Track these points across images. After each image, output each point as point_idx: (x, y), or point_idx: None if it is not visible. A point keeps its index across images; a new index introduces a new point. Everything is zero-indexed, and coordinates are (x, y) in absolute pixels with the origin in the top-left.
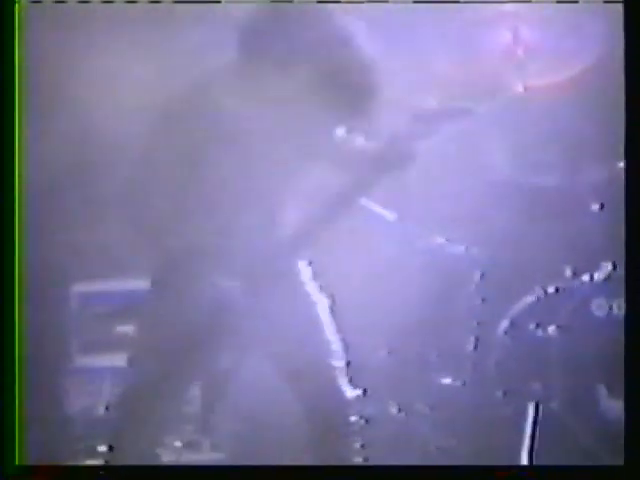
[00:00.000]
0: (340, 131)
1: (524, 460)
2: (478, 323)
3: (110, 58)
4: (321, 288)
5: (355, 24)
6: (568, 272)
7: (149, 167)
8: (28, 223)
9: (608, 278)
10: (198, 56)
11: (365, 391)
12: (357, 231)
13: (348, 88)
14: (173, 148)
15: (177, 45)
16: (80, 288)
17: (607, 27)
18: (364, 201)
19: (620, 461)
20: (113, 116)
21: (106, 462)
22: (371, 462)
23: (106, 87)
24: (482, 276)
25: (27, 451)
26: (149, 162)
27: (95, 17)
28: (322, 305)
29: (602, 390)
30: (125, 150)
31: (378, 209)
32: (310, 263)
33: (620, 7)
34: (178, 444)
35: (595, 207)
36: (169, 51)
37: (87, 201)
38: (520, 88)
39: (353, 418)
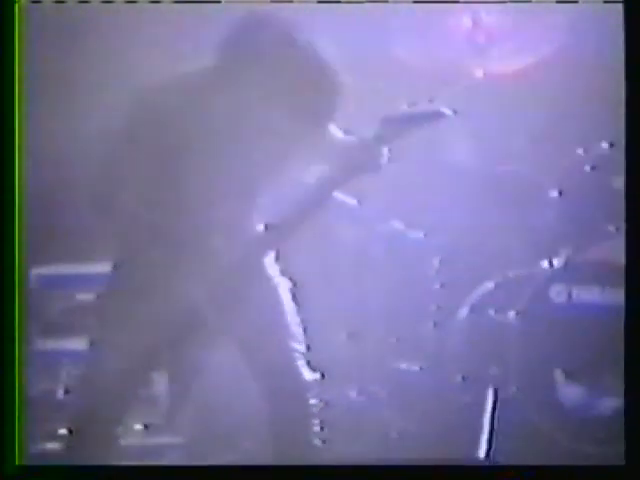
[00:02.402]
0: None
1: (483, 444)
2: (437, 308)
3: (110, 58)
4: (282, 272)
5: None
6: (527, 258)
7: (123, 161)
8: None
9: (566, 264)
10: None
11: (323, 375)
12: (318, 216)
13: (315, 83)
14: (149, 143)
15: (177, 45)
16: (40, 271)
17: (607, 27)
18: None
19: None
20: (107, 114)
21: (66, 446)
22: (329, 444)
23: (106, 87)
24: (441, 262)
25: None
26: (124, 157)
27: (95, 17)
28: (283, 288)
29: (560, 375)
30: (106, 142)
31: (339, 195)
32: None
33: (620, 7)
34: (138, 427)
35: (554, 194)
36: (169, 51)
37: (54, 185)
38: (480, 73)
39: (312, 401)
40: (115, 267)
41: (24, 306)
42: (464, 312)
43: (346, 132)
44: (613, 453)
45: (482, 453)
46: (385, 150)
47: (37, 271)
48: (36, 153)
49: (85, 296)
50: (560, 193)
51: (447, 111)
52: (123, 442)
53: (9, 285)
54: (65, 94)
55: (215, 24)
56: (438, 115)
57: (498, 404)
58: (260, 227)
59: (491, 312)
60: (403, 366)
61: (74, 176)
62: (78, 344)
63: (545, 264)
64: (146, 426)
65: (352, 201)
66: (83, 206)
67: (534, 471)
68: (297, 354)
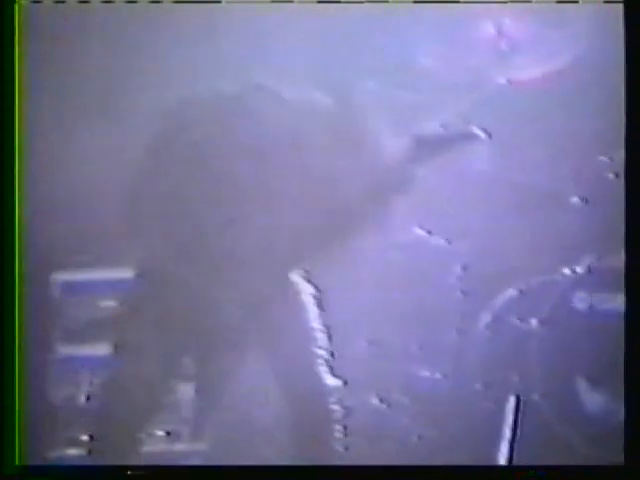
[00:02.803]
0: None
1: (504, 451)
2: (460, 315)
3: (110, 58)
4: (306, 278)
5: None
6: (550, 265)
7: (146, 171)
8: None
9: (590, 271)
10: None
11: (346, 381)
12: (342, 223)
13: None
14: (175, 150)
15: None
16: (62, 277)
17: (607, 27)
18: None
19: (597, 454)
20: (111, 114)
21: (89, 451)
22: (352, 451)
23: (106, 87)
24: (464, 269)
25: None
26: (148, 164)
27: (95, 17)
28: (307, 295)
29: (583, 383)
30: (123, 151)
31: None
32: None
33: (620, 7)
34: (160, 433)
35: (577, 200)
36: (169, 50)
37: (76, 191)
38: (503, 81)
39: (334, 407)
40: (139, 273)
41: (46, 311)
42: (486, 319)
43: (374, 145)
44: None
45: (503, 460)
46: (417, 170)
47: (59, 277)
48: (33, 151)
49: (108, 302)
50: (583, 200)
51: (480, 132)
52: (145, 449)
53: (9, 289)
54: (65, 94)
55: (215, 24)
56: (471, 137)
57: (520, 411)
58: (287, 234)
59: (514, 320)
60: (425, 373)
61: (97, 182)
62: (101, 351)
63: (568, 271)
64: (168, 433)
65: (375, 208)
66: (107, 212)
67: (534, 471)
68: (320, 360)
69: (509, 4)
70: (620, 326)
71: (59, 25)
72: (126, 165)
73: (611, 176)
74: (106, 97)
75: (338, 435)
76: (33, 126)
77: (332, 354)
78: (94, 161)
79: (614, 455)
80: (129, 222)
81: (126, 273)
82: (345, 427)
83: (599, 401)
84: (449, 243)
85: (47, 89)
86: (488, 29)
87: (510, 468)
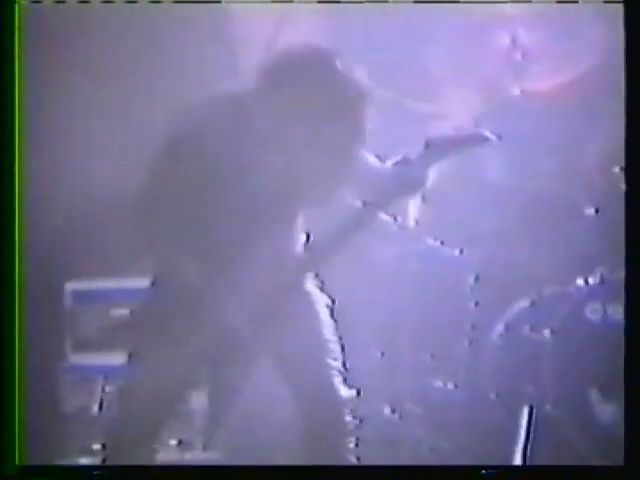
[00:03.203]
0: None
1: (517, 462)
2: (472, 326)
3: (110, 58)
4: (321, 288)
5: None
6: (562, 276)
7: (161, 176)
8: (26, 221)
9: (603, 282)
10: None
11: (359, 392)
12: (354, 234)
13: (354, 105)
14: (187, 159)
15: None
16: (75, 286)
17: (607, 27)
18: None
19: (614, 463)
20: (111, 114)
21: (102, 460)
22: (364, 461)
23: (105, 86)
24: (476, 279)
25: (25, 450)
26: (161, 171)
27: (95, 17)
28: (322, 306)
29: (595, 394)
30: (128, 153)
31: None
32: None
33: (620, 7)
34: (173, 442)
35: (590, 211)
36: (169, 51)
37: (88, 201)
38: (517, 91)
39: (347, 418)
40: (153, 282)
41: (59, 320)
42: (499, 330)
43: (385, 153)
44: None
45: None
46: (430, 173)
47: (73, 286)
48: (34, 151)
49: (122, 311)
50: (597, 211)
51: (491, 135)
52: (157, 457)
53: (9, 291)
54: (65, 94)
55: (215, 24)
56: (483, 139)
57: (533, 422)
58: (300, 245)
59: (526, 330)
60: (438, 384)
61: (109, 189)
62: (114, 359)
63: (581, 282)
64: (180, 442)
65: (388, 218)
66: (120, 221)
67: (533, 471)
68: (334, 371)
69: (519, 11)
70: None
71: (59, 25)
72: (135, 170)
73: (623, 187)
74: (106, 97)
75: (351, 445)
76: (33, 126)
77: (345, 364)
78: (99, 164)
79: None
80: (143, 230)
81: (140, 282)
82: (358, 437)
83: (611, 411)
84: (462, 254)
85: (47, 89)
86: (503, 39)
87: (509, 468)
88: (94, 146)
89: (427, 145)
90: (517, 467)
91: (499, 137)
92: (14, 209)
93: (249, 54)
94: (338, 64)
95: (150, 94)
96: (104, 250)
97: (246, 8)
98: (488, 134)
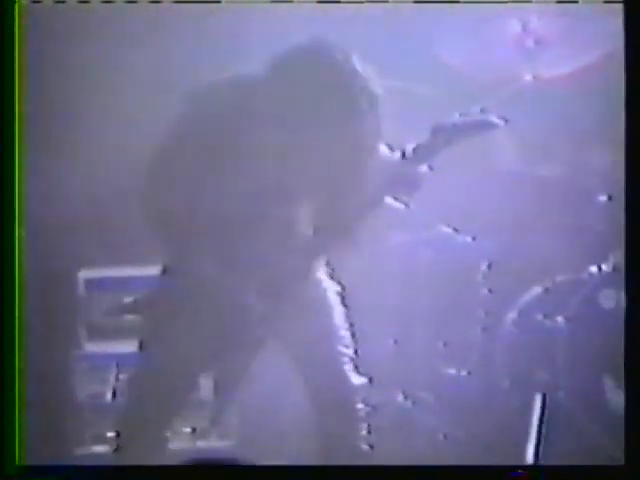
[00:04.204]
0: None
1: (530, 450)
2: (485, 313)
3: (110, 58)
4: (331, 276)
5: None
6: (576, 263)
7: (171, 163)
8: (33, 208)
9: (616, 269)
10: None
11: (371, 379)
12: (367, 220)
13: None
14: (197, 146)
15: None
16: (88, 274)
17: (607, 27)
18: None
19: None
20: (111, 114)
21: (116, 448)
22: (377, 449)
23: (106, 86)
24: (489, 266)
25: (32, 439)
26: (171, 159)
27: (95, 17)
28: (332, 292)
29: (609, 381)
30: (137, 143)
31: (388, 199)
32: None
33: (620, 7)
34: (187, 430)
35: (603, 198)
36: (169, 51)
37: (99, 189)
38: (530, 77)
39: (359, 405)
40: (164, 270)
41: (72, 308)
42: (512, 317)
43: (395, 140)
44: None
45: (530, 458)
46: (435, 159)
47: (85, 274)
48: (35, 150)
49: (134, 299)
50: (609, 197)
51: (497, 121)
52: (171, 445)
53: (9, 285)
54: (65, 94)
55: (215, 24)
56: (489, 125)
57: (546, 409)
58: (310, 231)
59: (539, 317)
60: (451, 371)
61: (120, 180)
62: (126, 347)
63: (594, 269)
64: (194, 429)
65: (400, 205)
66: (132, 209)
67: (534, 471)
68: (345, 358)
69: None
70: None
71: (59, 25)
72: (133, 163)
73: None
74: (106, 97)
75: (363, 432)
76: (33, 126)
77: (356, 352)
78: (98, 159)
79: None
80: (154, 219)
81: (152, 270)
82: (370, 424)
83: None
84: (475, 240)
85: (47, 89)
86: (515, 26)
87: (509, 468)
88: (100, 137)
89: (434, 131)
90: (515, 466)
91: (511, 123)
92: (24, 197)
93: (249, 54)
94: (348, 58)
95: (150, 94)
96: (116, 238)
97: (246, 8)
98: (494, 119)
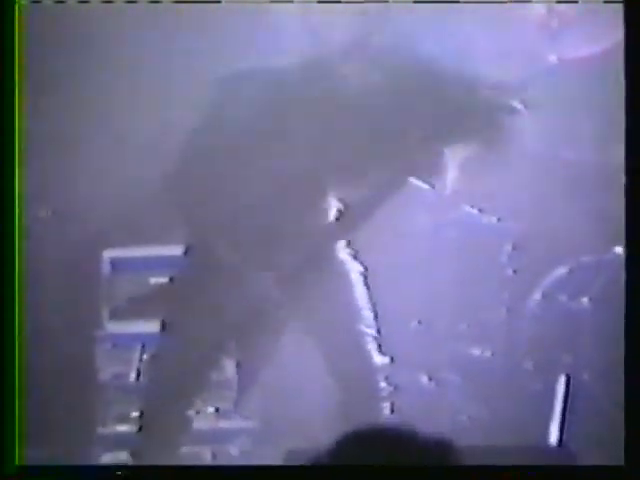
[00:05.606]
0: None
1: (554, 431)
2: (509, 294)
3: (110, 58)
4: (354, 256)
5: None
6: (600, 244)
7: (195, 148)
8: (65, 190)
9: None
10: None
11: (393, 359)
12: (390, 201)
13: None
14: (220, 132)
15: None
16: (112, 254)
17: (607, 27)
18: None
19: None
20: (111, 114)
21: (140, 428)
22: (401, 428)
23: (106, 86)
24: (514, 247)
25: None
26: (195, 145)
27: (95, 17)
28: (355, 273)
29: None
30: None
31: (413, 180)
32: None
33: (620, 7)
34: (210, 410)
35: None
36: (169, 51)
37: (124, 170)
38: (554, 59)
39: (382, 384)
40: (187, 251)
41: (96, 288)
42: (536, 298)
43: (414, 124)
44: None
45: (554, 440)
46: (468, 148)
47: (110, 254)
48: (36, 150)
49: (157, 279)
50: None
51: (518, 105)
52: (195, 425)
53: (9, 283)
54: (65, 94)
55: (215, 24)
56: (510, 110)
57: (570, 391)
58: (333, 212)
59: (564, 298)
60: (474, 352)
61: (141, 163)
62: (150, 327)
63: (619, 250)
64: (217, 409)
65: (425, 186)
66: (154, 190)
67: (533, 471)
68: (368, 338)
69: None
70: None
71: (59, 25)
72: (169, 141)
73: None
74: (106, 97)
75: (386, 412)
76: (33, 126)
77: (379, 331)
78: (107, 150)
79: None
80: (177, 200)
81: (175, 250)
82: (393, 404)
83: None
84: (500, 221)
85: (47, 89)
86: (539, 8)
87: (508, 468)
88: (102, 132)
89: (464, 121)
90: (514, 467)
91: (538, 111)
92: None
93: (250, 54)
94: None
95: (150, 94)
96: (140, 219)
97: (246, 8)
98: (515, 104)
